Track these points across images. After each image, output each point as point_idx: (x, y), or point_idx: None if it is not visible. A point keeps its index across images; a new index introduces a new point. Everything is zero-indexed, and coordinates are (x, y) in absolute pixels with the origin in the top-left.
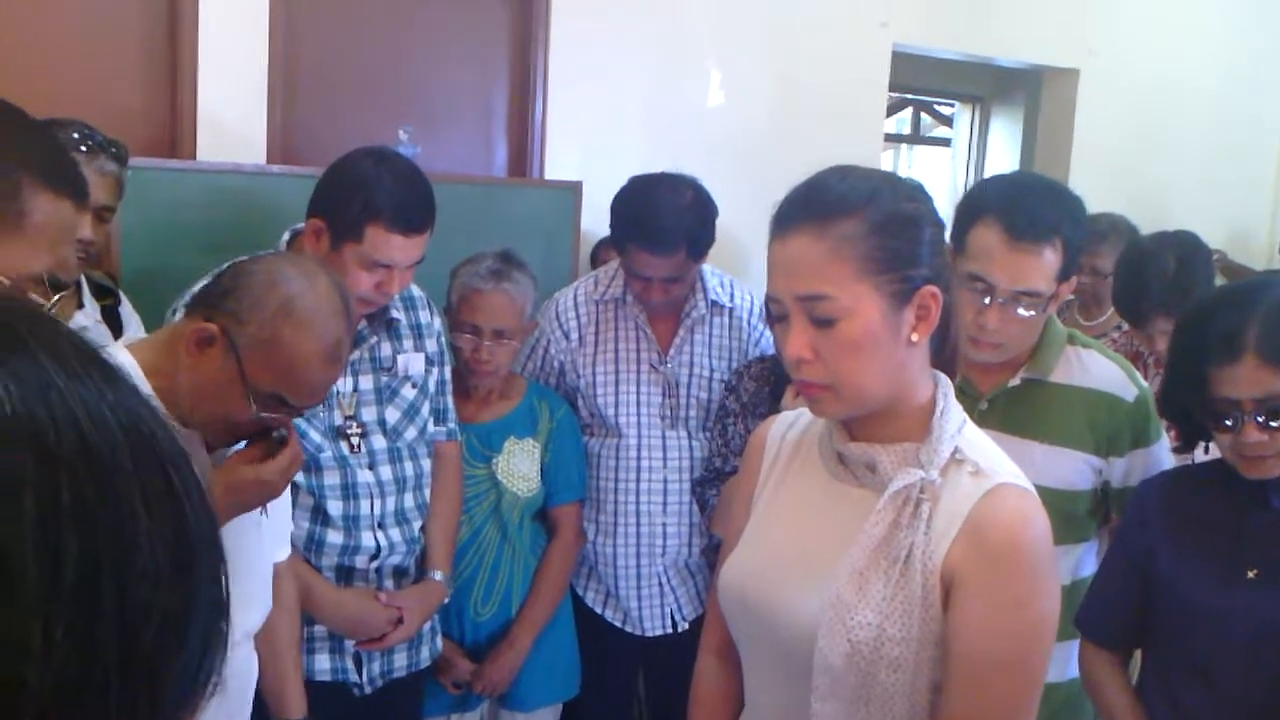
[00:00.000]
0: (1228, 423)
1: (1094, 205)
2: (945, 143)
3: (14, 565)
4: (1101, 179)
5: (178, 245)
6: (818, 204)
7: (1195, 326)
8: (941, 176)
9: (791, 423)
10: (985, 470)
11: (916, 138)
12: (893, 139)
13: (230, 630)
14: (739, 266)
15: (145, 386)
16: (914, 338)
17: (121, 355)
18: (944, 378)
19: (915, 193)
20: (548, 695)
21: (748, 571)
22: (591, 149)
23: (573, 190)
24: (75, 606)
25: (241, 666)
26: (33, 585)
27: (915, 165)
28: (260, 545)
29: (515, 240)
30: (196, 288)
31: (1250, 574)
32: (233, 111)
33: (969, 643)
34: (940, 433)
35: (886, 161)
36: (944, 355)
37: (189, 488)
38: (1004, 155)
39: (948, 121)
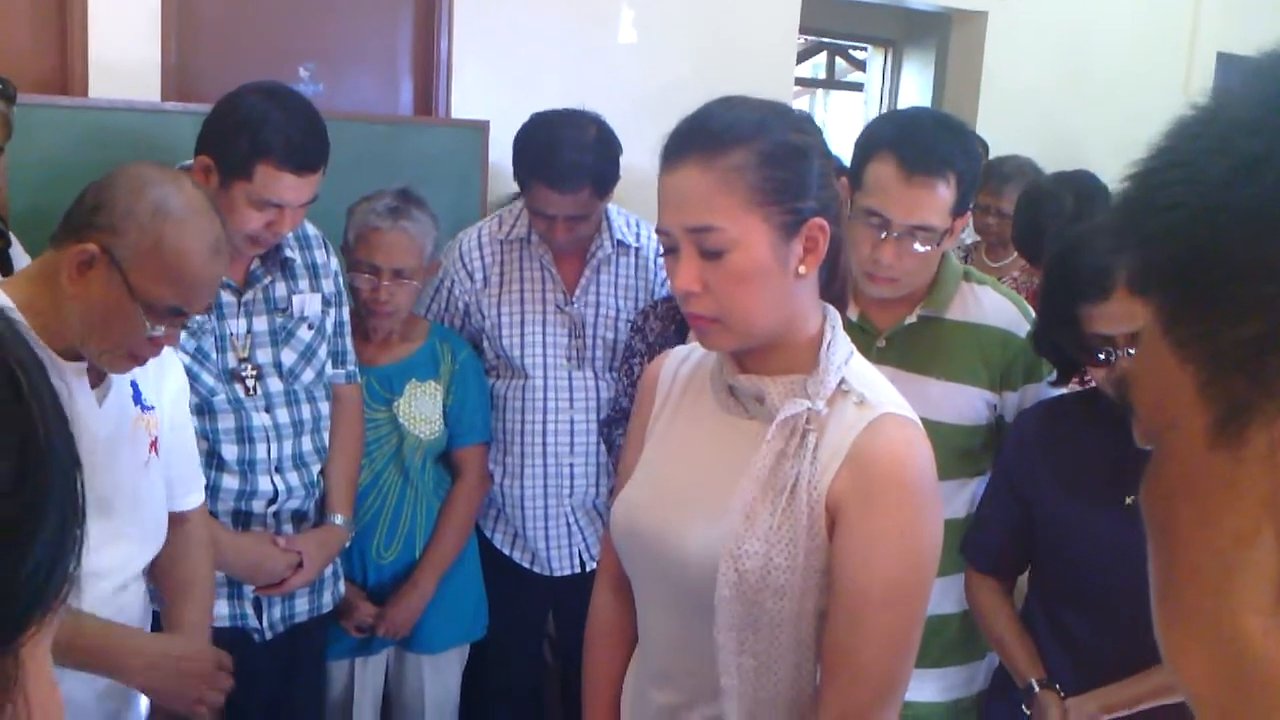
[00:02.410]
0: (1102, 357)
1: (1004, 146)
2: (859, 88)
3: None
4: (1011, 122)
5: (69, 185)
6: (705, 135)
7: (1066, 264)
8: (855, 121)
9: (684, 357)
10: (870, 401)
11: (831, 82)
12: (806, 83)
13: (86, 540)
14: (650, 210)
15: (21, 321)
16: (802, 270)
17: None
18: (833, 310)
19: (804, 124)
20: (453, 637)
21: (638, 504)
22: (499, 88)
23: (480, 130)
24: None
25: (132, 605)
26: None
27: (830, 110)
28: (151, 486)
29: (422, 181)
30: None
31: (1128, 499)
32: (126, 48)
33: (853, 571)
34: (827, 364)
35: (801, 106)
36: (833, 288)
37: (39, 393)
38: (916, 99)
39: (862, 66)
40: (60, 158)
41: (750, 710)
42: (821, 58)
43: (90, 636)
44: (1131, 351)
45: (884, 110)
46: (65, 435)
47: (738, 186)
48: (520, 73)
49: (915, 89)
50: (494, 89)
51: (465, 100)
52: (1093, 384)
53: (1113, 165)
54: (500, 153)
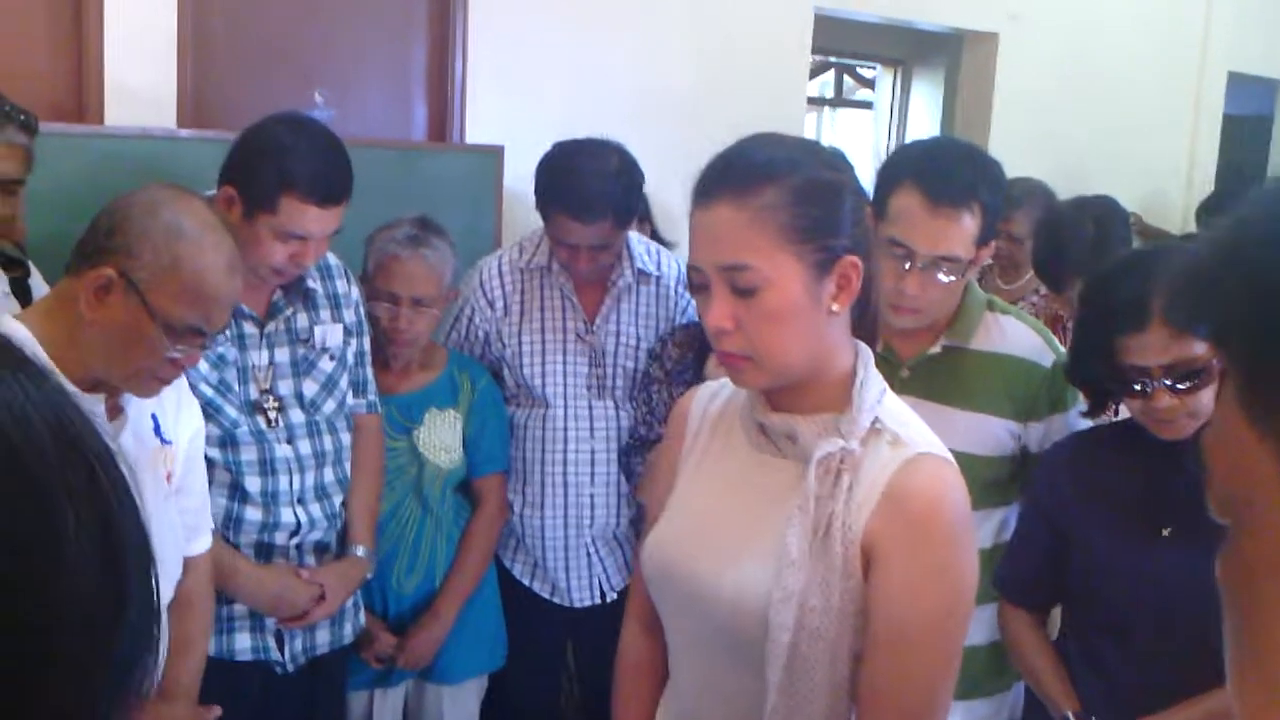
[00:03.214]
0: (1137, 389)
1: (1014, 167)
2: (868, 105)
3: None
4: (1021, 142)
5: (87, 213)
6: (738, 173)
7: (1101, 295)
8: (864, 139)
9: (715, 393)
10: (904, 440)
11: (839, 100)
12: (815, 102)
13: (160, 633)
14: (663, 230)
15: (42, 357)
16: (835, 307)
17: (14, 328)
18: (864, 347)
19: (836, 161)
20: (473, 667)
21: (670, 543)
22: (514, 112)
23: (495, 155)
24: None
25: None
26: None
27: (838, 128)
28: (170, 521)
29: (436, 206)
30: None
31: (1164, 532)
32: (141, 74)
33: (888, 611)
34: (860, 403)
35: (810, 124)
36: (864, 324)
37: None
38: (925, 118)
39: (870, 85)
40: (76, 185)
41: None
42: (829, 76)
43: None
44: (1167, 382)
45: (893, 128)
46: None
47: (770, 225)
48: (536, 96)
49: (925, 108)
50: (509, 112)
51: (480, 123)
52: (1125, 415)
53: (1124, 185)
54: (514, 177)
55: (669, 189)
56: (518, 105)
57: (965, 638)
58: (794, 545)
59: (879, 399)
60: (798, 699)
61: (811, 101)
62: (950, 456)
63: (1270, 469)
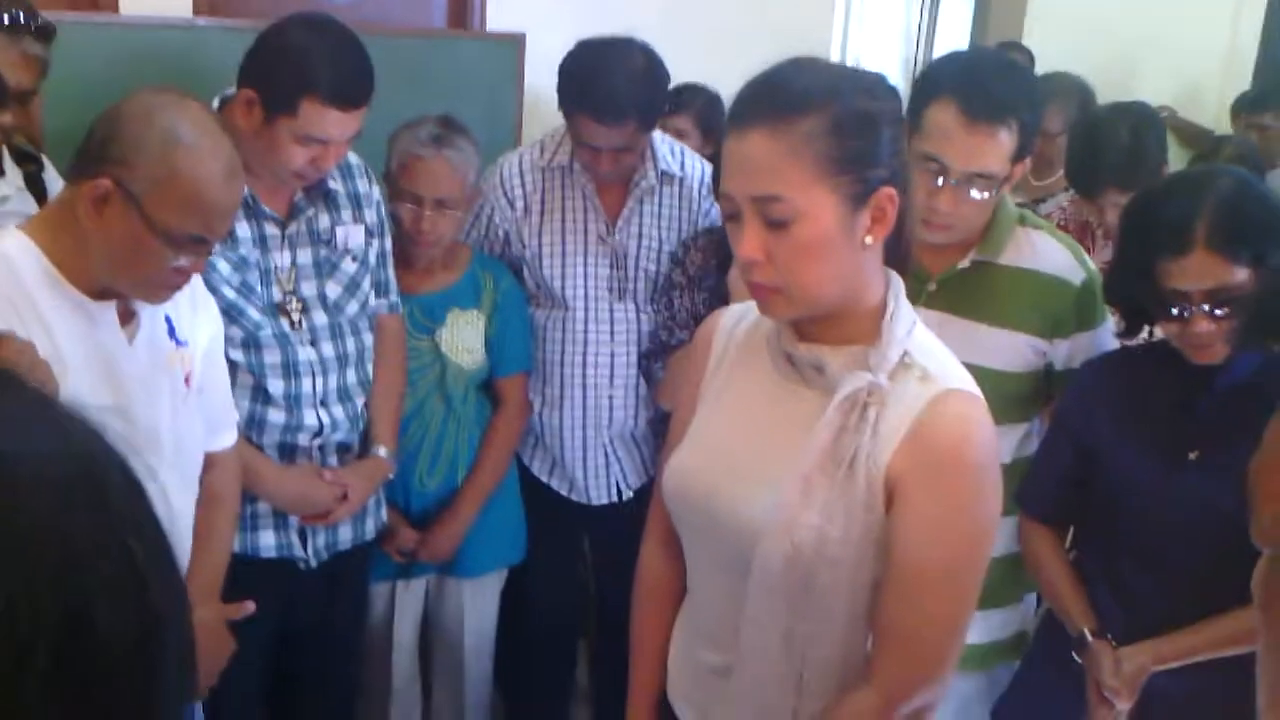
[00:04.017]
0: (1175, 312)
1: (1050, 63)
2: None
3: None
4: (1059, 35)
5: (102, 107)
6: (774, 100)
7: (1144, 217)
8: (895, 23)
9: (740, 316)
10: (933, 375)
11: None
12: None
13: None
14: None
15: (50, 269)
16: (869, 240)
17: (18, 239)
18: (896, 277)
19: (876, 88)
20: (492, 561)
21: (692, 468)
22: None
23: (515, 43)
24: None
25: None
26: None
27: (867, 13)
28: (190, 424)
29: (455, 97)
30: None
31: (1192, 455)
32: None
33: (910, 548)
34: (890, 336)
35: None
36: (898, 253)
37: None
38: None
39: None
40: (92, 78)
41: (799, 675)
42: None
43: None
44: (1206, 308)
45: (925, 11)
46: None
47: (806, 155)
48: None
49: None
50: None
51: (500, 9)
52: (1159, 337)
53: (1166, 84)
54: (537, 68)
55: (700, 81)
56: None
57: (983, 577)
58: (797, 469)
59: (909, 331)
60: (815, 625)
61: None
62: (978, 392)
63: None
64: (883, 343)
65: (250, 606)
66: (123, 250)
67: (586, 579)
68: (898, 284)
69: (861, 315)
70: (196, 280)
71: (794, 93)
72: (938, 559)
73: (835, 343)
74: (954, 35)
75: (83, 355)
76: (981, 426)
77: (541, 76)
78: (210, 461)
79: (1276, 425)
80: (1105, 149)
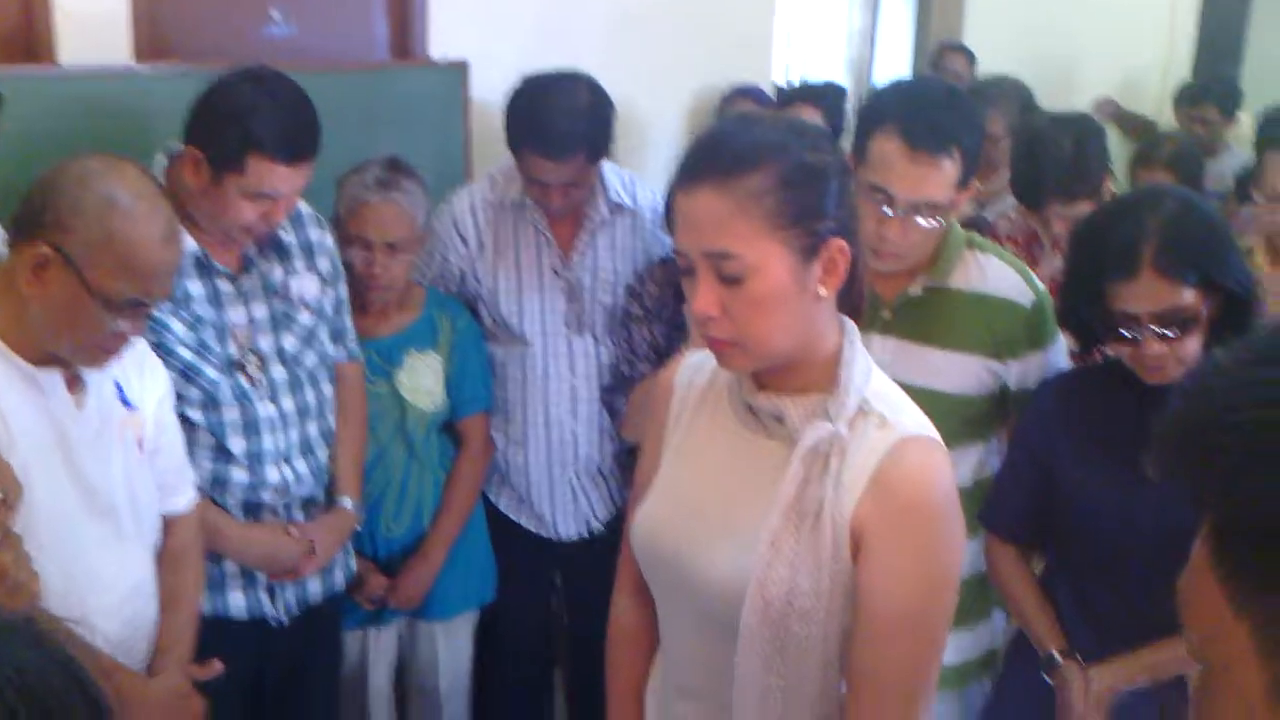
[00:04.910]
0: (1126, 334)
1: (991, 63)
2: None
3: None
4: (999, 35)
5: (43, 159)
6: (723, 157)
7: (1091, 240)
8: (838, 27)
9: (698, 367)
10: (891, 421)
11: None
12: None
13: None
14: (638, 149)
15: None
16: (822, 292)
17: None
18: (850, 324)
19: (821, 142)
20: (463, 602)
21: (659, 521)
22: (479, 24)
23: (459, 70)
24: None
25: (143, 614)
26: None
27: (808, 17)
28: (146, 485)
29: (402, 127)
30: None
31: (1149, 472)
32: (92, 4)
33: (876, 596)
34: (848, 383)
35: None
36: (850, 301)
37: None
38: (899, 5)
39: None
40: (32, 131)
41: None
42: None
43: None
44: (1156, 329)
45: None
46: None
47: (755, 211)
48: (499, 6)
49: None
50: (473, 25)
51: (443, 37)
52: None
53: (1107, 76)
54: (480, 93)
55: (641, 103)
56: (483, 17)
57: (950, 619)
58: (767, 527)
59: (866, 378)
60: (791, 679)
61: None
62: (936, 435)
63: (1245, 644)
64: (840, 390)
65: (218, 666)
66: (62, 315)
67: (559, 612)
68: (852, 330)
69: (818, 363)
70: (142, 344)
71: (741, 149)
72: (904, 606)
73: (793, 391)
74: (895, 36)
75: (33, 423)
76: (940, 473)
77: (488, 103)
78: (170, 524)
79: (1201, 547)
80: (1047, 161)
